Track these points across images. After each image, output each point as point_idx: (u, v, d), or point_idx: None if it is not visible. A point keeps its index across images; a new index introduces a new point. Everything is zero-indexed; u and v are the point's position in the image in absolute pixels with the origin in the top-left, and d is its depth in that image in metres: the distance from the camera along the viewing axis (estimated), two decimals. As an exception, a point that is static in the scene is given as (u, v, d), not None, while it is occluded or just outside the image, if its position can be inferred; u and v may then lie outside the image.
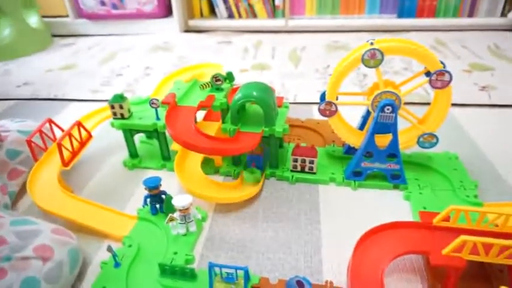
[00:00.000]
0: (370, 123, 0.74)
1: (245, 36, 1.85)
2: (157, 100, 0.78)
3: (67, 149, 0.77)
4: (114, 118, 0.82)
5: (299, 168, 0.80)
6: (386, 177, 0.76)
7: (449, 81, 0.68)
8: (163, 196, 0.68)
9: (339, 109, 0.75)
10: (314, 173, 0.79)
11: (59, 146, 0.74)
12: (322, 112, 0.75)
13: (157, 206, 0.69)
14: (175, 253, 0.62)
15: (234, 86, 0.89)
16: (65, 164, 0.77)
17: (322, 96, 0.76)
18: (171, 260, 0.60)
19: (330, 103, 0.74)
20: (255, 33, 1.89)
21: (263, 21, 1.91)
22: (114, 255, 0.59)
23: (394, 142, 0.72)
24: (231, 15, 1.95)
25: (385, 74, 1.29)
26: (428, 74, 0.70)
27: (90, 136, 0.85)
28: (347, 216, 0.70)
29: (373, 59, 0.68)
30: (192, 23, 1.96)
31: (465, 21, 1.75)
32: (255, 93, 0.73)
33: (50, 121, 0.81)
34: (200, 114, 0.90)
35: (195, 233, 0.66)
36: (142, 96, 0.90)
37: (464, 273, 0.52)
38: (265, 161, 0.81)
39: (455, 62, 1.39)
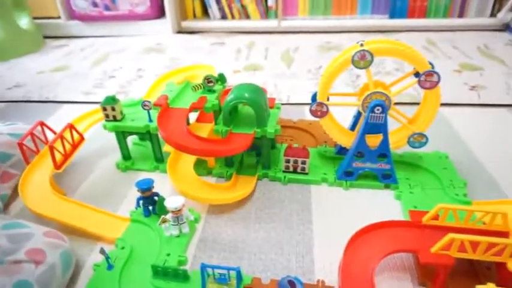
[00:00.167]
0: (361, 123, 0.75)
1: (238, 37, 1.85)
2: (149, 102, 0.78)
3: (59, 152, 0.77)
4: (106, 120, 0.82)
5: (291, 169, 0.80)
6: (377, 177, 0.77)
7: (438, 82, 0.69)
8: (156, 198, 0.69)
9: (330, 110, 0.76)
10: (306, 174, 0.80)
11: (51, 148, 0.74)
12: (313, 113, 0.76)
13: (150, 207, 0.69)
14: (168, 254, 0.62)
15: (227, 87, 0.89)
16: (57, 166, 0.76)
17: (314, 97, 0.77)
18: (163, 262, 0.61)
19: (321, 104, 0.75)
20: (248, 34, 1.89)
21: (256, 22, 1.91)
22: (107, 258, 0.59)
23: (385, 142, 0.73)
24: (224, 16, 1.96)
25: (377, 75, 1.30)
26: (417, 74, 0.71)
27: (82, 138, 0.85)
28: (339, 216, 0.71)
29: (363, 60, 0.68)
30: (185, 24, 1.96)
31: (455, 21, 1.77)
32: (246, 95, 0.74)
33: (42, 124, 0.81)
34: (193, 116, 0.90)
35: (187, 234, 0.66)
36: (135, 98, 0.90)
37: (454, 270, 0.54)
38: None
39: (446, 62, 1.40)
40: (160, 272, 0.58)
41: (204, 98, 0.80)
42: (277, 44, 1.73)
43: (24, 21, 1.79)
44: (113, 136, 0.84)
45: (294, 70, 1.41)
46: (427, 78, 0.69)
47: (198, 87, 0.85)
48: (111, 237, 0.66)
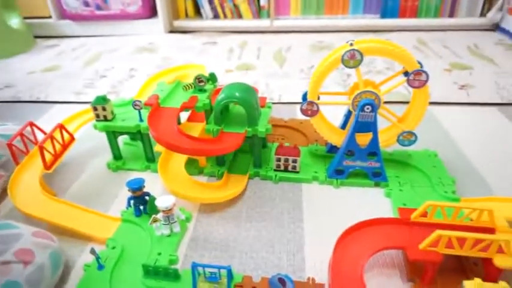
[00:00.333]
0: (351, 122, 0.75)
1: (230, 37, 1.85)
2: (140, 102, 0.78)
3: (49, 152, 0.77)
4: (97, 120, 0.82)
5: (282, 168, 0.81)
6: (367, 175, 0.77)
7: (426, 81, 0.69)
8: (147, 197, 0.69)
9: (320, 109, 0.76)
10: (297, 172, 0.80)
11: (41, 149, 0.74)
12: (304, 112, 0.76)
13: (141, 207, 0.69)
14: (159, 254, 0.62)
15: (218, 87, 0.89)
16: (47, 167, 0.76)
17: (304, 96, 0.77)
18: (154, 261, 0.61)
19: (311, 103, 0.75)
20: (240, 33, 1.90)
21: (248, 22, 1.91)
22: (97, 258, 0.59)
23: (375, 140, 0.73)
24: (216, 16, 1.96)
25: (368, 74, 1.31)
26: (406, 73, 0.72)
27: (72, 139, 0.84)
28: (329, 214, 0.71)
29: (352, 59, 0.69)
30: (177, 23, 1.96)
31: (446, 21, 1.79)
32: (237, 94, 0.74)
33: (32, 124, 0.81)
34: (185, 115, 0.90)
35: (178, 233, 0.66)
36: (126, 98, 0.90)
37: (442, 266, 0.54)
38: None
39: (436, 62, 1.42)
40: (151, 272, 0.58)
41: (195, 98, 0.81)
42: (269, 43, 1.74)
43: (14, 21, 1.78)
44: (104, 136, 0.84)
45: (286, 69, 1.42)
46: (416, 77, 0.69)
47: (189, 87, 0.85)
48: (102, 238, 0.66)
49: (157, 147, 0.83)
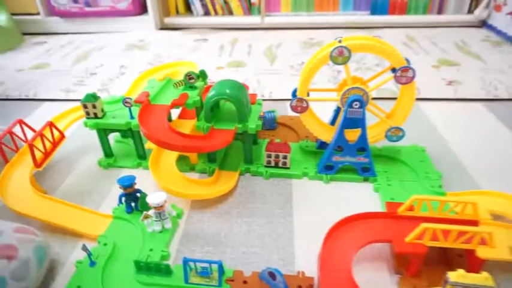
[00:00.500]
0: (340, 118, 0.76)
1: (221, 34, 1.85)
2: (130, 99, 0.78)
3: (39, 150, 0.77)
4: (87, 118, 0.82)
5: (273, 164, 0.81)
6: (356, 170, 0.79)
7: (413, 77, 0.71)
8: (138, 194, 0.69)
9: (310, 105, 0.77)
10: (288, 168, 0.81)
11: (31, 146, 0.74)
12: (293, 108, 0.77)
13: (133, 204, 0.70)
14: (151, 250, 0.63)
15: (209, 84, 0.90)
16: (37, 165, 0.76)
17: (294, 93, 0.78)
18: (146, 257, 0.61)
19: (301, 99, 0.76)
20: (231, 30, 1.89)
21: (239, 18, 1.91)
22: (89, 254, 0.60)
23: (363, 136, 0.75)
24: (207, 12, 1.95)
25: (358, 70, 1.32)
26: (394, 70, 0.73)
27: (62, 136, 0.84)
28: (319, 209, 0.72)
29: (341, 56, 0.70)
30: (168, 20, 1.95)
31: (434, 18, 1.81)
32: (227, 91, 0.75)
33: (21, 122, 0.80)
34: (176, 112, 0.90)
35: (170, 229, 0.67)
36: (116, 95, 0.90)
37: (428, 258, 0.56)
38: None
39: (425, 58, 1.43)
40: (143, 267, 0.58)
41: (185, 95, 0.81)
42: (260, 40, 1.74)
43: (1, 18, 1.75)
44: (95, 134, 0.84)
45: (276, 66, 1.42)
46: (403, 74, 0.71)
47: (179, 84, 0.85)
48: (93, 235, 0.66)
49: (149, 145, 0.83)
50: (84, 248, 0.59)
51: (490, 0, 1.71)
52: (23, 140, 0.80)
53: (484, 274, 0.48)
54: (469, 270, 0.49)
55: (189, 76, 0.83)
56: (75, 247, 0.66)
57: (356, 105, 0.72)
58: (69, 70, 1.48)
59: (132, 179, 0.68)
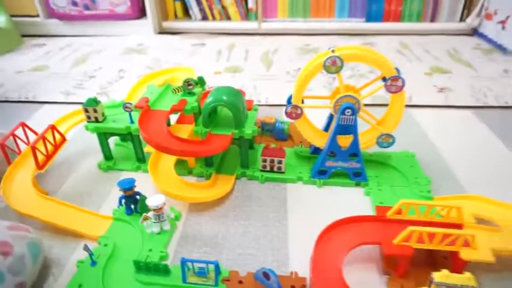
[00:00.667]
0: (333, 125, 0.79)
1: (219, 38, 1.88)
2: (130, 104, 0.81)
3: (41, 152, 0.79)
4: (88, 121, 0.84)
5: (268, 168, 0.84)
6: (348, 175, 0.82)
7: (403, 86, 0.74)
8: (138, 197, 0.71)
9: (305, 112, 0.80)
10: (282, 173, 0.84)
11: (33, 149, 0.76)
12: (288, 115, 0.80)
13: (132, 206, 0.72)
14: (150, 250, 0.65)
15: (207, 89, 0.92)
16: (40, 167, 0.78)
17: (289, 100, 0.81)
18: (146, 257, 0.64)
19: (295, 106, 0.79)
20: (228, 35, 1.92)
21: (236, 24, 1.94)
22: (91, 254, 0.62)
23: (355, 142, 0.78)
24: (205, 17, 1.98)
25: (351, 77, 1.35)
26: (384, 79, 0.76)
27: (64, 139, 0.86)
28: (312, 212, 0.75)
29: (334, 65, 0.73)
30: (166, 24, 1.97)
31: (427, 25, 1.85)
32: (224, 98, 0.77)
33: (23, 125, 0.82)
34: (174, 118, 0.93)
35: (168, 231, 0.69)
36: (116, 100, 0.92)
37: (415, 260, 0.59)
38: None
39: (418, 65, 1.47)
40: (142, 267, 0.61)
41: (184, 101, 0.83)
42: (257, 45, 1.77)
43: (1, 19, 1.77)
44: (95, 137, 0.86)
45: (273, 72, 1.45)
46: (393, 83, 0.74)
47: (178, 90, 0.88)
48: (94, 235, 0.68)
49: (148, 148, 0.86)
50: (86, 248, 0.61)
51: (481, 9, 1.76)
52: (25, 143, 0.82)
53: (467, 274, 0.51)
54: (452, 270, 0.52)
55: (187, 82, 0.86)
56: (76, 247, 0.68)
57: (348, 112, 0.75)
58: (68, 73, 1.50)
59: (132, 182, 0.70)
